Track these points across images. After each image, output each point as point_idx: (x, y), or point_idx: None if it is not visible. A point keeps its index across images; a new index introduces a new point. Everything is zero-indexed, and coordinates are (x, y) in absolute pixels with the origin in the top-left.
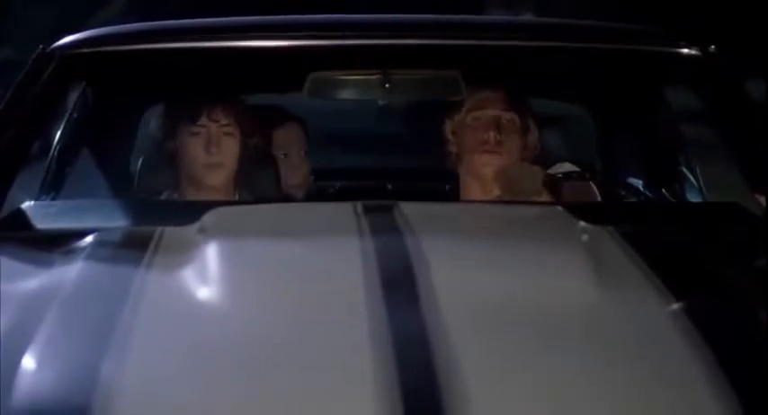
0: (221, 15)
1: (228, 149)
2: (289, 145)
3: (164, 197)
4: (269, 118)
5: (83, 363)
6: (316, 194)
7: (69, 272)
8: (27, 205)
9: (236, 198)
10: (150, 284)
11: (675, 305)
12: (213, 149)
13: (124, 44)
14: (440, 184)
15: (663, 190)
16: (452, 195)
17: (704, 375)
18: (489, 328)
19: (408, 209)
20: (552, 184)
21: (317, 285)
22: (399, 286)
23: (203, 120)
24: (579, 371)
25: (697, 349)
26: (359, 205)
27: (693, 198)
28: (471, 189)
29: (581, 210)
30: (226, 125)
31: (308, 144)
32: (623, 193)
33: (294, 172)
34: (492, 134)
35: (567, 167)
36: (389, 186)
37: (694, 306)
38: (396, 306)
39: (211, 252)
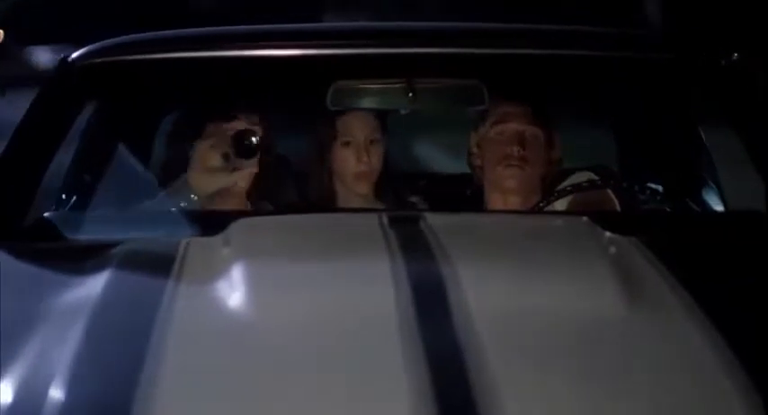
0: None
1: None
2: (351, 131)
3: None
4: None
5: (115, 387)
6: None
7: (95, 289)
8: (49, 214)
9: (248, 206)
10: (179, 306)
11: (706, 323)
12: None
13: (143, 53)
14: (460, 188)
15: (684, 198)
16: (473, 200)
17: (738, 396)
18: (523, 347)
19: (434, 221)
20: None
21: (350, 308)
22: (432, 308)
23: (225, 124)
24: (613, 389)
25: (728, 365)
26: (384, 216)
27: (714, 205)
28: (494, 200)
29: (606, 220)
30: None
31: (381, 131)
32: (644, 201)
33: (357, 161)
34: (516, 148)
35: (587, 176)
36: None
37: (724, 323)
38: (429, 328)
39: (239, 272)
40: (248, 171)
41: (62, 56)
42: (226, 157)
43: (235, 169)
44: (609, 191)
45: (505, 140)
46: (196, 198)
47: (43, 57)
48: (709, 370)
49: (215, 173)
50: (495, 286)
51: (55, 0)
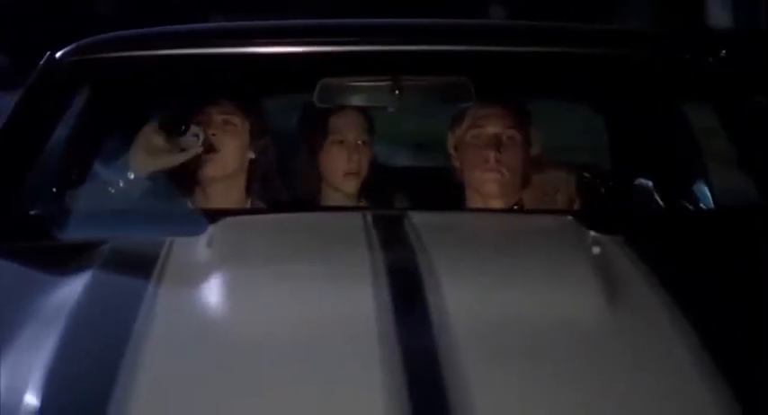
0: None
1: (228, 139)
2: (343, 130)
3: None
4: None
5: (90, 396)
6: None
7: (76, 291)
8: (35, 213)
9: (249, 204)
10: (158, 309)
11: (686, 326)
12: (210, 135)
13: (131, 50)
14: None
15: (674, 194)
16: (455, 195)
17: (715, 401)
18: (500, 349)
19: (418, 220)
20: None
21: (328, 308)
22: (410, 307)
23: (206, 108)
24: (586, 392)
25: (705, 369)
26: (368, 215)
27: (704, 202)
28: (474, 201)
29: (592, 219)
30: (227, 113)
31: (370, 133)
32: (635, 197)
33: (349, 159)
34: (492, 153)
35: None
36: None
37: (705, 325)
38: (407, 329)
39: (219, 274)
40: (193, 151)
41: (48, 52)
42: (170, 138)
43: (182, 150)
44: (601, 190)
45: (482, 144)
46: (133, 176)
47: None
48: (685, 374)
49: (157, 154)
50: (474, 288)
51: None
